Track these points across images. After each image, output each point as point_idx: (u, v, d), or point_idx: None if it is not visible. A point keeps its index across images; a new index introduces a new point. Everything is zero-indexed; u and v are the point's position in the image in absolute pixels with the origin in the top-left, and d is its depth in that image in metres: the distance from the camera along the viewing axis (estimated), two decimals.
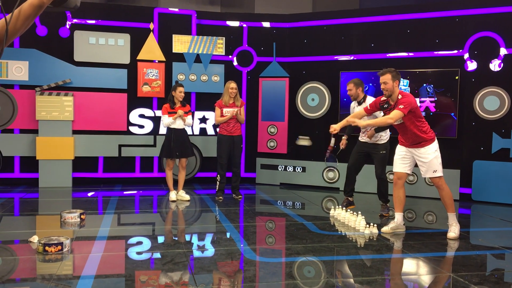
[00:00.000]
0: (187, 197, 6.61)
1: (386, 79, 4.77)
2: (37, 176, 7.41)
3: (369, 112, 5.08)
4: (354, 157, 6.05)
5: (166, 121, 6.44)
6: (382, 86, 4.82)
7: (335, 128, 4.90)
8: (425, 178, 7.10)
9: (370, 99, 5.83)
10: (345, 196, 6.20)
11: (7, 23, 1.29)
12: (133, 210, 6.01)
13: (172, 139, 6.45)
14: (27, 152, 7.40)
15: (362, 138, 5.97)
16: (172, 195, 6.55)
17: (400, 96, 4.73)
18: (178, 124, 6.47)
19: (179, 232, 5.06)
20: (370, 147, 5.91)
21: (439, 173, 4.75)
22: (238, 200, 6.66)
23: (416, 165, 4.96)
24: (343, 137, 6.24)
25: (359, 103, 5.93)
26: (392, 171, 7.18)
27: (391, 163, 5.58)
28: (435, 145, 4.79)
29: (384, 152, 5.86)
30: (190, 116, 6.58)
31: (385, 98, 4.89)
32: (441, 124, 7.11)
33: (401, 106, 4.59)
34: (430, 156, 4.75)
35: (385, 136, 5.87)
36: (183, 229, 5.22)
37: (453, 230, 4.78)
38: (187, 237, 4.78)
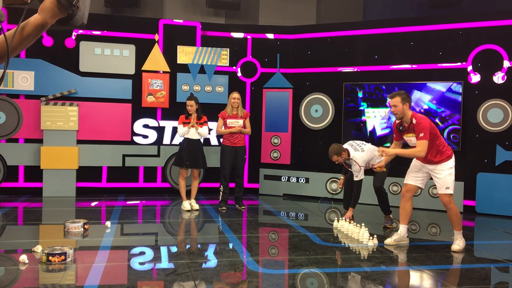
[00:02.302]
0: (197, 206, 6.64)
1: (395, 102, 4.78)
2: (41, 185, 7.43)
3: (398, 139, 5.05)
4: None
5: (181, 130, 6.52)
6: (392, 109, 4.85)
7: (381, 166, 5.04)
8: (428, 190, 7.10)
9: (355, 154, 5.77)
10: (345, 210, 6.19)
11: (8, 42, 1.25)
12: (136, 220, 6.02)
13: (184, 148, 6.50)
14: (31, 162, 7.44)
15: None
16: (186, 205, 6.57)
17: (414, 121, 4.73)
18: (192, 134, 6.52)
19: (182, 242, 5.06)
20: None
21: (450, 190, 4.72)
22: (241, 211, 6.66)
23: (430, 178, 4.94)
24: (341, 177, 6.21)
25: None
26: (394, 182, 7.21)
27: (390, 174, 5.58)
28: (451, 162, 4.77)
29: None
30: (205, 127, 6.62)
31: (399, 121, 4.91)
32: (445, 137, 7.10)
33: (421, 135, 4.62)
34: (445, 173, 4.73)
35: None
36: (186, 239, 5.22)
37: (458, 243, 4.76)
38: (190, 248, 4.77)
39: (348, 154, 5.78)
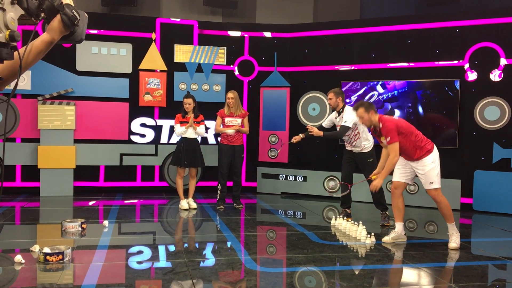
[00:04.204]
0: (195, 205, 6.64)
1: (360, 113, 4.95)
2: (39, 185, 7.42)
3: (382, 142, 5.12)
4: (345, 168, 6.07)
5: (178, 130, 6.50)
6: (359, 121, 5.03)
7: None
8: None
9: (348, 109, 5.91)
10: (342, 209, 6.20)
11: (20, 58, 1.45)
12: (134, 219, 6.01)
13: (182, 148, 6.50)
14: (28, 161, 7.42)
15: (347, 146, 6.03)
16: (184, 204, 6.57)
17: (380, 125, 4.85)
18: (190, 134, 6.51)
19: (180, 241, 5.06)
20: (356, 156, 5.95)
21: (436, 185, 4.74)
22: (239, 210, 6.66)
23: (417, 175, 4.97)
24: (300, 134, 6.18)
25: (339, 113, 5.98)
26: (390, 180, 7.21)
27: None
28: (431, 156, 4.78)
29: (372, 160, 5.88)
30: (202, 126, 6.61)
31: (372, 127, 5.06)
32: (442, 134, 7.12)
33: (388, 139, 4.74)
34: (426, 168, 4.75)
35: (368, 144, 5.92)
36: (184, 238, 5.22)
37: (454, 240, 4.77)
38: (188, 247, 4.77)
39: (344, 107, 5.98)
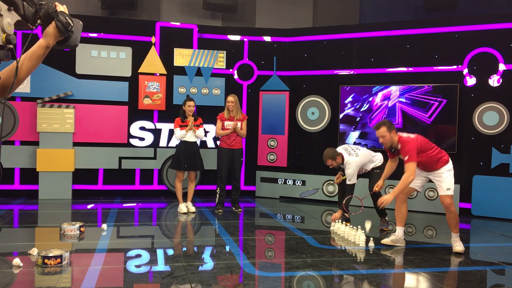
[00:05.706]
0: (193, 209, 6.64)
1: (382, 132, 4.84)
2: (37, 188, 7.41)
3: (392, 157, 5.09)
4: None
5: (178, 133, 6.50)
6: (380, 140, 4.91)
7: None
8: (424, 193, 7.12)
9: (348, 162, 5.70)
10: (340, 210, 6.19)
11: (17, 61, 1.56)
12: (133, 223, 6.00)
13: (182, 151, 6.50)
14: (27, 164, 7.40)
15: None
16: (182, 207, 6.57)
17: (399, 146, 4.80)
18: (190, 137, 6.51)
19: (179, 245, 5.05)
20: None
21: (452, 191, 4.77)
22: (237, 213, 6.65)
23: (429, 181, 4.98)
24: (340, 172, 6.07)
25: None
26: (390, 185, 7.21)
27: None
28: (449, 165, 4.82)
29: (379, 171, 5.86)
30: (202, 129, 6.62)
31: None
32: (440, 139, 7.12)
33: (406, 158, 4.67)
34: (444, 175, 4.79)
35: (376, 161, 5.90)
36: (182, 242, 5.21)
37: (459, 244, 4.79)
38: (187, 250, 4.76)
39: (343, 159, 5.76)
